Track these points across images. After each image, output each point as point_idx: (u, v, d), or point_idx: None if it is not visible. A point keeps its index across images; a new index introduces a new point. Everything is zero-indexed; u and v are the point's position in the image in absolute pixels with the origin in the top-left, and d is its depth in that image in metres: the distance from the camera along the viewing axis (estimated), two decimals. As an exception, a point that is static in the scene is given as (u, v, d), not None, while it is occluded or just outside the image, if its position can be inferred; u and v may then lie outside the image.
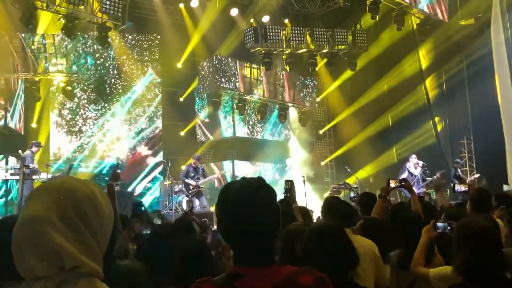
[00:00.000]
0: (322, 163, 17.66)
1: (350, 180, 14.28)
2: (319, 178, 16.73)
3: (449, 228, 3.09)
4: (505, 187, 6.59)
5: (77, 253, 1.07)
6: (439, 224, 3.12)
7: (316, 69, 15.51)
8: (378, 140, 16.04)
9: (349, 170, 14.37)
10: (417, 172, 12.60)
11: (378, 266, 3.02)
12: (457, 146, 15.66)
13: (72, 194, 1.13)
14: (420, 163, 12.69)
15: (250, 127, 16.52)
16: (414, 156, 12.91)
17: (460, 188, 5.60)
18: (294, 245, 2.36)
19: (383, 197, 4.32)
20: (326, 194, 13.52)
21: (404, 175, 12.14)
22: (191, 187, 12.05)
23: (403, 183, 4.50)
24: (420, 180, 12.67)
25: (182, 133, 15.51)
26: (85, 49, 13.09)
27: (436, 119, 15.56)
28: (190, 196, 11.96)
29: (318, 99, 17.36)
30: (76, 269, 1.07)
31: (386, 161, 15.87)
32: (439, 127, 15.56)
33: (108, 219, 1.17)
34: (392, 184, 4.46)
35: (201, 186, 12.18)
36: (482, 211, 3.99)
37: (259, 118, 16.01)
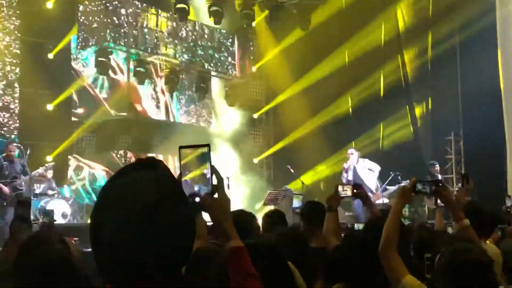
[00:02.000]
0: (256, 160, 17.35)
1: (294, 185, 14.39)
2: (250, 180, 16.31)
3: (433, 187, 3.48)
4: (508, 202, 6.87)
5: None
6: (419, 186, 3.38)
7: (253, 24, 15.71)
8: (334, 131, 16.13)
9: (292, 171, 14.23)
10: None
11: None
12: (441, 144, 15.69)
13: None
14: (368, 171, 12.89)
15: (154, 103, 16.18)
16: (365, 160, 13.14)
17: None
18: (203, 272, 2.56)
19: (333, 211, 4.50)
20: (259, 205, 13.84)
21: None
22: (6, 192, 10.91)
23: (355, 191, 4.69)
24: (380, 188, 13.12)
25: (50, 107, 14.30)
26: None
27: (416, 106, 15.72)
28: (5, 204, 10.88)
29: (253, 69, 17.14)
30: None
31: (343, 161, 15.66)
32: (418, 117, 15.70)
33: None
34: (348, 192, 4.68)
35: (21, 187, 11.08)
36: (481, 235, 4.10)
37: (167, 91, 15.80)
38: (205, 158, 1.90)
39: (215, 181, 1.86)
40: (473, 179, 14.45)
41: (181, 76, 15.79)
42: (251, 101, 17.54)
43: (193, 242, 1.44)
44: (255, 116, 17.70)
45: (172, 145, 14.38)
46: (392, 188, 13.06)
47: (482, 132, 13.91)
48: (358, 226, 7.62)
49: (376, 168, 12.63)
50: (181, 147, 1.92)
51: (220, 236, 1.90)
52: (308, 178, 15.23)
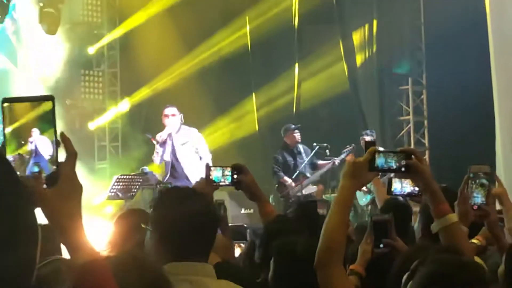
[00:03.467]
0: (92, 126, 17.52)
1: (157, 167, 14.58)
2: (84, 159, 15.94)
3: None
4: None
5: None
6: (381, 159, 3.54)
7: None
8: (224, 75, 16.90)
9: (154, 142, 13.94)
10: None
11: None
12: (393, 98, 16.35)
13: None
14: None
15: None
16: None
17: (404, 187, 5.73)
18: None
19: None
20: (101, 198, 14.37)
21: None
22: None
23: (235, 177, 4.89)
24: (306, 168, 13.72)
25: None
26: None
27: (353, 34, 16.25)
28: None
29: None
30: None
31: (238, 126, 16.71)
32: (357, 53, 16.25)
33: None
34: (227, 178, 4.91)
35: None
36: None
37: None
38: (44, 120, 2.02)
39: (61, 157, 1.96)
40: (443, 154, 15.18)
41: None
42: (83, 25, 17.50)
43: (32, 269, 1.53)
44: (91, 51, 17.57)
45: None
46: (313, 175, 13.51)
47: (456, 78, 14.35)
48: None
49: (203, 148, 12.75)
50: (5, 101, 2.00)
51: (66, 246, 1.96)
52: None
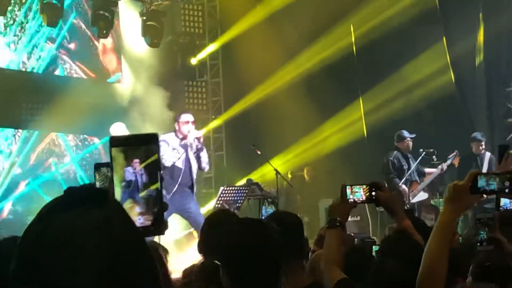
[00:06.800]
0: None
1: (260, 176, 15.20)
2: None
3: None
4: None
5: None
6: (483, 181, 3.51)
7: None
8: (327, 81, 16.58)
9: (258, 152, 14.73)
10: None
11: None
12: (501, 99, 16.03)
13: None
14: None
15: (17, 45, 16.25)
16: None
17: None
18: None
19: (339, 226, 4.57)
20: (208, 207, 14.50)
21: None
22: None
23: (374, 193, 4.77)
24: (415, 174, 13.76)
25: None
26: None
27: (459, 36, 15.99)
28: None
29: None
30: None
31: (344, 132, 16.54)
32: (463, 54, 16.02)
33: None
34: (360, 194, 4.77)
35: None
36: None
37: (46, 24, 15.58)
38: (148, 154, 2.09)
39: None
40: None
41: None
42: (186, 36, 17.71)
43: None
44: (194, 61, 17.72)
45: (53, 115, 14.83)
46: (423, 183, 13.40)
47: None
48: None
49: (204, 156, 12.47)
50: (112, 140, 2.05)
51: None
52: (282, 163, 15.74)
